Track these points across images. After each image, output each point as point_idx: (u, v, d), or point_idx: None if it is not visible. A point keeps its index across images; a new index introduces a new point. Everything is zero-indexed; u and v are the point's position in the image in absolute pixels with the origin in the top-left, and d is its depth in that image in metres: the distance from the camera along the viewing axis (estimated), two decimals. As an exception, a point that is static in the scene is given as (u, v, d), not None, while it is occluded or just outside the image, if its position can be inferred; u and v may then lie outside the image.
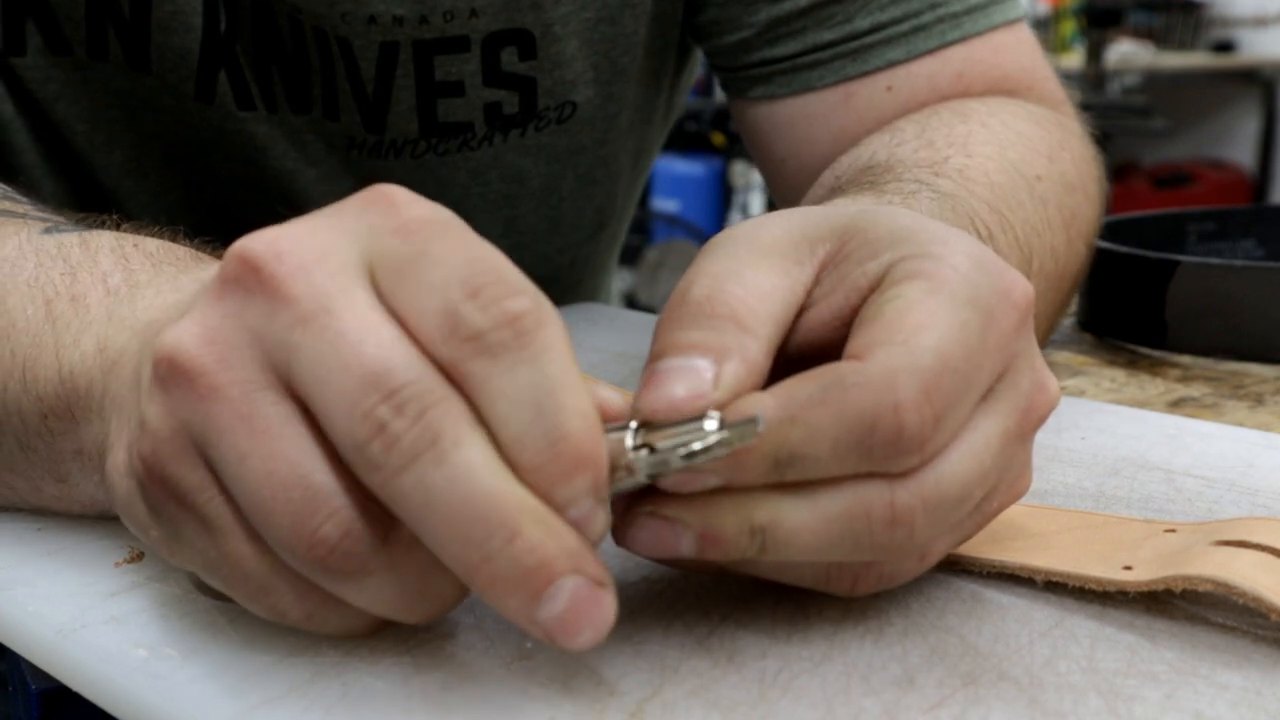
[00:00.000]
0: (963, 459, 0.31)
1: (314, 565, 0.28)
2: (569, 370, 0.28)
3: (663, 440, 0.29)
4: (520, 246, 0.71)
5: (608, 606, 0.28)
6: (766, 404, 0.29)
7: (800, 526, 0.30)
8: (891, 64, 0.63)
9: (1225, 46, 4.49)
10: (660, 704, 0.28)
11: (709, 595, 0.34)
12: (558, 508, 0.28)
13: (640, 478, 0.29)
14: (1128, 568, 0.33)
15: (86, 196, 0.65)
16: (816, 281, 0.33)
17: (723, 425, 0.29)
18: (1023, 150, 0.55)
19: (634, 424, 0.29)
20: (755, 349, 0.31)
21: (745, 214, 3.51)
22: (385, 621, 0.30)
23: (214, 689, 0.30)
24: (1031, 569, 0.34)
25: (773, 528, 0.30)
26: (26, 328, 0.37)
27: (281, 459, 0.28)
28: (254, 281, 0.29)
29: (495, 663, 0.30)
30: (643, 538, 0.30)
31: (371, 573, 0.28)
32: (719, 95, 2.44)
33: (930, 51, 0.62)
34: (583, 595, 0.27)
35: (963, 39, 0.63)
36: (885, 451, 0.29)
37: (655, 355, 0.31)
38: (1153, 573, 0.32)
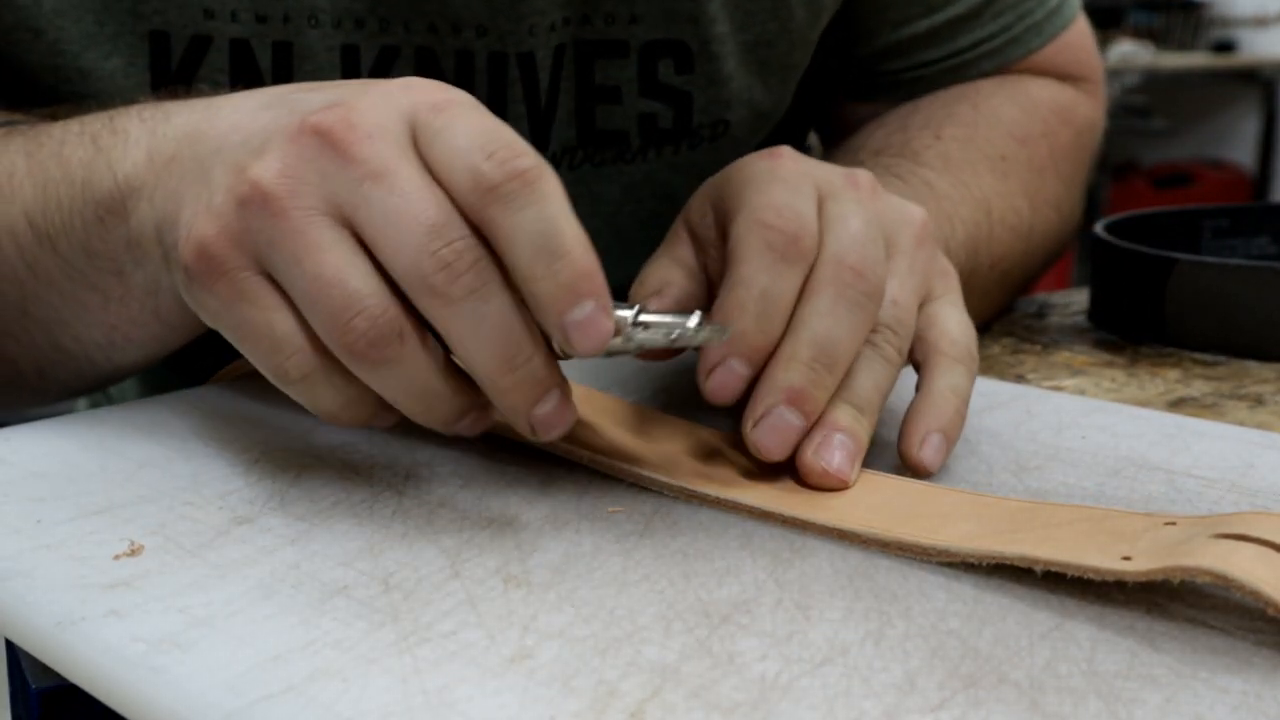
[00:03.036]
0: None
1: (344, 351, 0.37)
2: (565, 210, 0.36)
3: (655, 319, 0.39)
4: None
5: (573, 413, 0.39)
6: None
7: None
8: (984, 74, 0.71)
9: (1225, 46, 4.49)
10: (660, 704, 0.28)
11: (710, 595, 0.34)
12: (560, 314, 0.36)
13: (632, 346, 0.39)
14: (1126, 558, 0.33)
15: None
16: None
17: (701, 325, 0.39)
18: (995, 133, 0.66)
19: (637, 306, 0.39)
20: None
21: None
22: (374, 413, 0.40)
23: (213, 684, 0.29)
24: (1031, 559, 0.34)
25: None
26: (82, 159, 0.46)
27: (328, 265, 0.37)
28: (328, 140, 0.37)
29: (495, 662, 0.30)
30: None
31: (388, 365, 0.37)
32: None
33: (1017, 59, 0.71)
34: (561, 403, 0.38)
35: (1042, 45, 0.71)
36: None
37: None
38: (1151, 563, 0.32)
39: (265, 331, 0.38)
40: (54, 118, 0.50)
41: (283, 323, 0.38)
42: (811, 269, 0.41)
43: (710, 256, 0.45)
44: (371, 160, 0.37)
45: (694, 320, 0.39)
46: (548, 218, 0.36)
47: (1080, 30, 0.74)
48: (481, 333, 0.36)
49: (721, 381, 0.40)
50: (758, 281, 0.40)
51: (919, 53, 0.70)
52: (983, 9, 0.69)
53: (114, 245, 0.45)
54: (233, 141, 0.40)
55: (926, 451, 0.41)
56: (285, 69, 0.59)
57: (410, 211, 0.36)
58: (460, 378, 0.39)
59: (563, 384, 0.39)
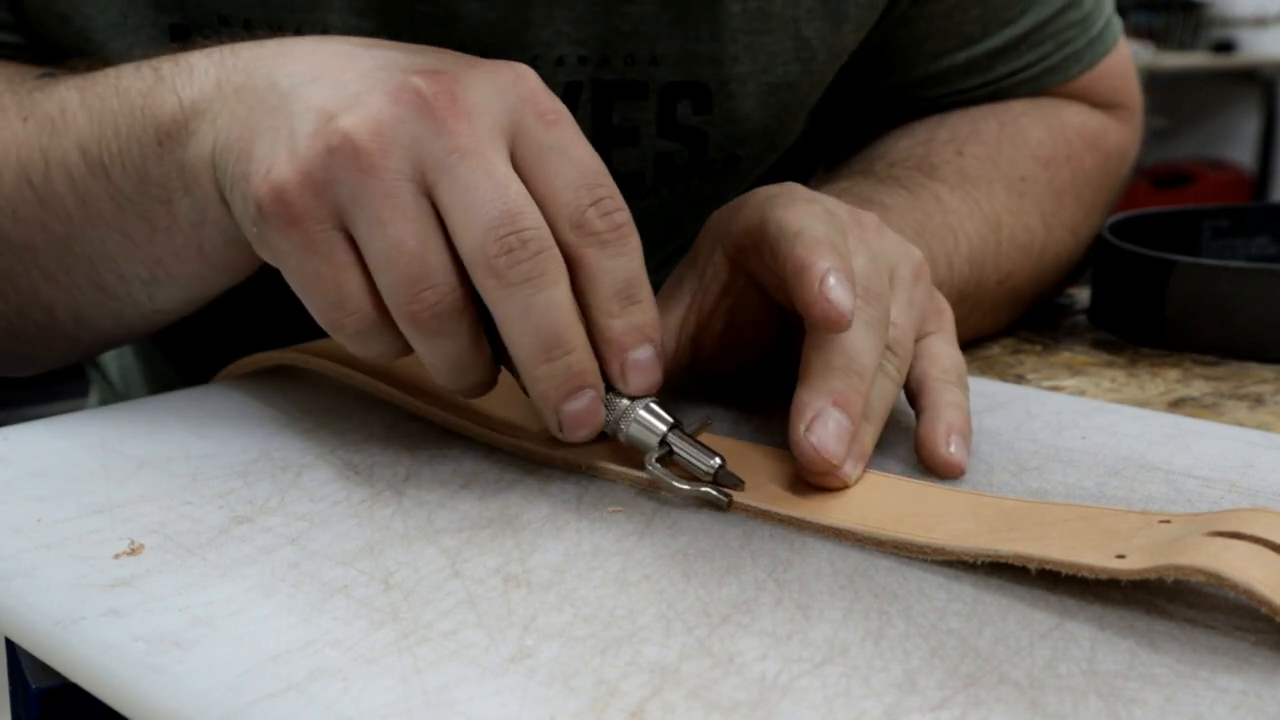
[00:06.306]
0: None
1: (405, 316, 0.39)
2: (643, 263, 0.41)
3: (683, 452, 0.40)
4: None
5: (602, 416, 0.41)
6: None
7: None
8: (1020, 97, 0.70)
9: (1225, 46, 4.49)
10: (660, 704, 0.28)
11: (710, 595, 0.34)
12: (625, 350, 0.40)
13: (647, 466, 0.40)
14: (1121, 556, 0.33)
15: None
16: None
17: (719, 473, 0.40)
18: (1018, 154, 0.66)
19: (666, 432, 0.40)
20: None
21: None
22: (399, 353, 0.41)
23: (213, 683, 0.29)
24: (1025, 558, 0.34)
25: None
26: (142, 89, 0.46)
27: (409, 235, 0.38)
28: (427, 108, 0.39)
29: (495, 662, 0.30)
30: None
31: (441, 336, 0.40)
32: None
33: (1053, 86, 0.70)
34: (593, 404, 0.40)
35: (1080, 73, 0.70)
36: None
37: None
38: (1146, 562, 0.32)
39: (332, 287, 0.40)
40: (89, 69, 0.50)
41: (351, 281, 0.40)
42: None
43: (709, 289, 0.47)
44: (465, 136, 0.38)
45: (716, 461, 0.40)
46: (634, 269, 0.40)
47: (1121, 58, 0.73)
48: (529, 319, 0.39)
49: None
50: (861, 355, 0.42)
51: (956, 81, 0.69)
52: (1021, 40, 0.68)
53: (168, 170, 0.45)
54: (319, 84, 0.40)
55: (954, 448, 0.42)
56: None
57: (488, 192, 0.38)
58: (492, 360, 0.42)
59: (598, 386, 0.41)
